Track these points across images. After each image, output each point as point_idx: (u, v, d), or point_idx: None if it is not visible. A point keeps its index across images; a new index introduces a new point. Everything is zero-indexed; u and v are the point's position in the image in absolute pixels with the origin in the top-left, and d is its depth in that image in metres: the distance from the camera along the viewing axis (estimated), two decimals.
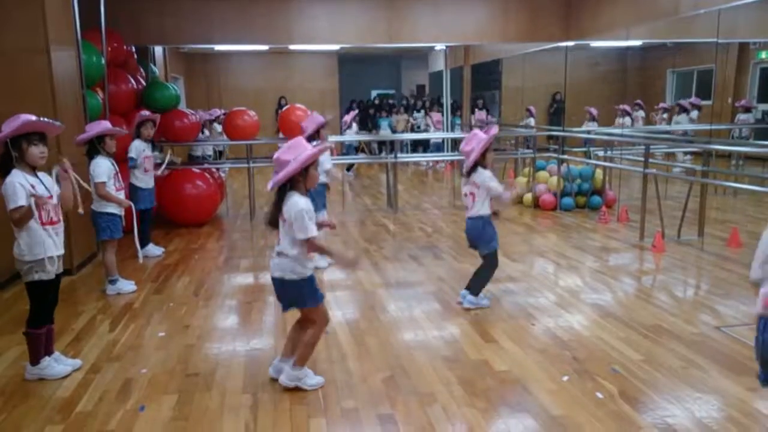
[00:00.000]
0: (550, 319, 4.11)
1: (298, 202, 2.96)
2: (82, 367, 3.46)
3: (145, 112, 6.10)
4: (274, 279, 3.11)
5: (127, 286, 4.91)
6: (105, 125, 4.77)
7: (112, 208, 4.77)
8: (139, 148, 5.91)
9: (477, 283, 4.34)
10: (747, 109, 9.33)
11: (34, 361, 3.32)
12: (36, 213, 3.13)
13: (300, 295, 3.09)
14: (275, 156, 3.00)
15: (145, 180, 5.96)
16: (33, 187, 3.14)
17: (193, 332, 4.01)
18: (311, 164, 3.01)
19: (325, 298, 3.24)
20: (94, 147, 4.69)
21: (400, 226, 7.37)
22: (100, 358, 3.60)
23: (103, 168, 4.65)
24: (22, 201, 3.07)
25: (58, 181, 3.29)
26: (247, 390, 3.17)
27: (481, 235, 4.24)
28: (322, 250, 3.19)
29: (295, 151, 2.97)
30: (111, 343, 3.84)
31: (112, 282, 4.86)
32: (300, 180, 3.00)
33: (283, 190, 3.02)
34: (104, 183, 4.65)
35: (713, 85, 9.42)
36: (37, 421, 2.90)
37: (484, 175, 4.17)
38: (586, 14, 8.71)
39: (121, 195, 4.85)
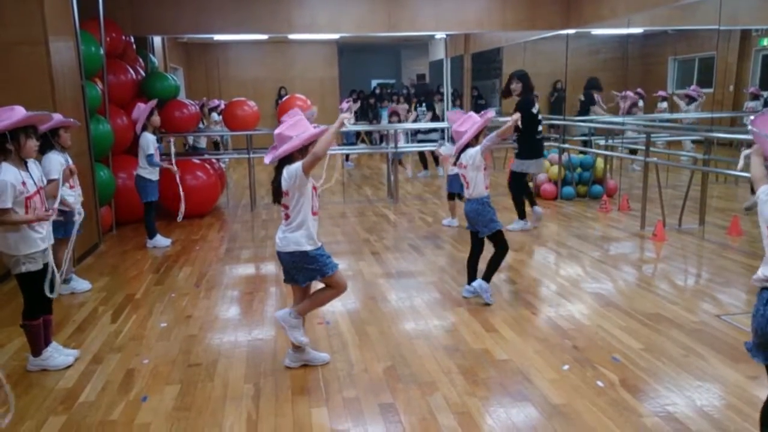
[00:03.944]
0: (550, 309, 4.12)
1: (295, 165, 3.03)
2: (84, 358, 3.48)
3: (143, 105, 6.01)
4: (283, 254, 3.16)
5: (81, 284, 4.70)
6: (58, 117, 4.23)
7: (64, 206, 4.29)
8: (153, 142, 5.83)
9: (489, 270, 4.26)
10: (755, 96, 9.26)
11: (36, 352, 3.33)
12: (23, 212, 3.12)
13: (318, 265, 3.14)
14: (276, 131, 3.08)
15: (153, 172, 5.91)
16: (24, 184, 3.11)
17: (194, 323, 4.02)
18: (311, 143, 3.06)
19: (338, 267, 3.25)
20: (48, 141, 4.11)
21: (401, 216, 7.37)
22: (102, 349, 3.62)
23: (54, 164, 4.07)
24: (8, 204, 3.05)
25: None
26: (249, 380, 3.19)
27: (479, 217, 4.18)
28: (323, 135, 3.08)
29: (298, 129, 3.05)
30: (113, 334, 3.85)
31: (66, 281, 4.58)
32: (298, 158, 3.05)
33: (282, 166, 3.09)
34: (57, 180, 4.11)
35: (714, 73, 9.38)
36: (40, 411, 2.91)
37: (468, 153, 4.14)
38: (587, 1, 8.66)
39: (74, 194, 4.28)
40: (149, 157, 5.80)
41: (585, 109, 10.17)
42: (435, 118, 11.95)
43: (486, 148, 4.15)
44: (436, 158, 10.40)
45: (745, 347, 2.31)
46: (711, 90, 9.60)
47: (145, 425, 2.78)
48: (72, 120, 4.48)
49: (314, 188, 3.16)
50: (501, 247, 4.24)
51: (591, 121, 9.00)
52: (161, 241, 6.08)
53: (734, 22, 8.68)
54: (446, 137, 13.13)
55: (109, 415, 2.87)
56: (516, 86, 6.23)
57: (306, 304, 3.30)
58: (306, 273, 3.17)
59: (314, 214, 3.15)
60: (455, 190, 6.58)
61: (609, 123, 8.55)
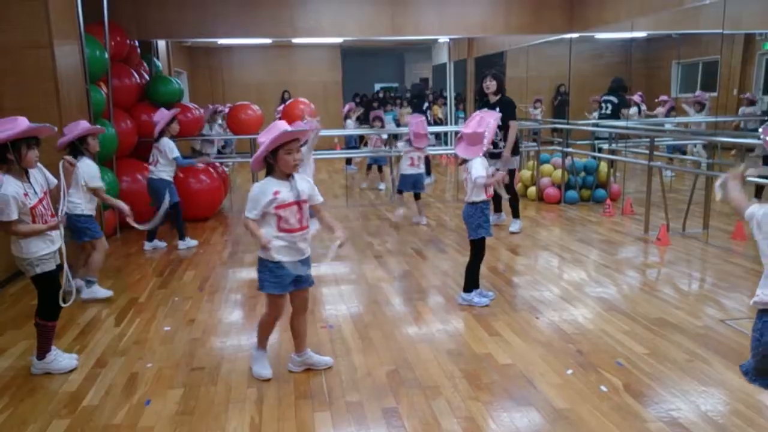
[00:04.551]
0: (554, 313, 4.11)
1: (254, 185, 3.02)
2: (88, 362, 3.48)
3: (165, 110, 6.11)
4: None
5: (101, 291, 4.62)
6: (85, 125, 4.46)
7: (89, 210, 4.45)
8: (173, 147, 5.96)
9: (466, 278, 4.29)
10: (751, 102, 9.22)
11: (41, 355, 3.34)
12: (29, 220, 3.16)
13: (261, 276, 3.13)
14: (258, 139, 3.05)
15: (171, 173, 6.04)
16: (26, 195, 3.12)
17: (198, 326, 4.03)
18: (281, 147, 2.94)
19: (282, 294, 3.13)
20: (77, 149, 4.38)
21: (404, 219, 7.36)
22: (105, 353, 3.62)
23: (94, 169, 4.41)
24: (14, 216, 3.08)
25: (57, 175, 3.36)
26: (252, 384, 3.19)
27: (470, 220, 4.16)
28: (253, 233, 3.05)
29: (268, 135, 2.93)
30: (117, 338, 3.86)
31: (89, 284, 4.57)
32: (272, 162, 2.98)
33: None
34: (103, 187, 4.52)
35: (718, 77, 9.37)
36: (44, 414, 2.92)
37: (474, 164, 4.08)
38: (590, 5, 8.66)
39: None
40: (178, 158, 5.96)
41: (617, 111, 9.98)
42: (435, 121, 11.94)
43: (480, 185, 4.10)
44: (380, 167, 10.15)
45: (741, 370, 2.26)
46: (715, 94, 9.59)
47: (148, 429, 2.78)
48: (99, 127, 4.63)
49: (287, 204, 2.99)
50: (476, 255, 4.24)
51: (598, 124, 8.99)
52: (159, 243, 6.16)
53: (738, 26, 8.67)
54: (449, 141, 13.16)
55: (113, 419, 2.87)
56: (490, 84, 6.14)
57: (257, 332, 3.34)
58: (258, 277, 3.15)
59: (286, 231, 3.02)
60: (405, 189, 7.05)
61: (613, 127, 8.53)
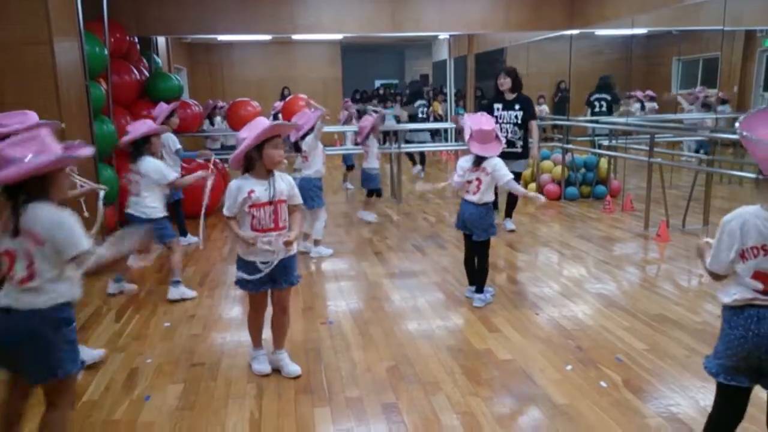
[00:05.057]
0: (554, 309, 4.11)
1: (231, 182, 3.00)
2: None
3: (165, 104, 6.08)
4: None
5: (188, 291, 4.53)
6: (151, 125, 4.42)
7: (164, 210, 4.42)
8: (176, 140, 5.93)
9: (480, 278, 4.27)
10: (723, 101, 9.21)
11: None
12: None
13: (236, 274, 3.14)
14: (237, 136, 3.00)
15: (177, 169, 6.00)
16: None
17: (198, 322, 4.03)
18: (267, 142, 2.87)
19: (256, 293, 3.15)
20: (139, 148, 4.30)
21: (404, 216, 7.37)
22: (105, 348, 3.61)
23: (161, 165, 4.34)
24: None
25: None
26: (252, 379, 3.19)
27: (482, 222, 4.13)
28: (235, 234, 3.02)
29: (252, 130, 2.87)
30: (116, 334, 3.86)
31: (176, 284, 4.48)
32: (256, 158, 2.91)
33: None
34: (177, 176, 4.48)
35: (719, 74, 9.35)
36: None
37: (495, 163, 4.01)
38: (591, 2, 8.65)
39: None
40: (178, 150, 5.94)
41: (611, 108, 9.87)
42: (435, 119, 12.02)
43: (514, 189, 4.13)
44: (351, 167, 10.05)
45: (710, 372, 2.17)
46: (715, 91, 9.58)
47: (148, 424, 2.79)
48: (165, 127, 4.78)
49: (261, 204, 2.95)
50: (485, 256, 4.22)
51: (596, 121, 8.98)
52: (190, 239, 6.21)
53: (739, 22, 8.65)
54: (449, 137, 13.14)
55: (113, 414, 2.87)
56: (504, 81, 6.03)
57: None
58: None
59: (259, 231, 2.96)
60: (366, 186, 7.04)
61: (613, 123, 8.52)
